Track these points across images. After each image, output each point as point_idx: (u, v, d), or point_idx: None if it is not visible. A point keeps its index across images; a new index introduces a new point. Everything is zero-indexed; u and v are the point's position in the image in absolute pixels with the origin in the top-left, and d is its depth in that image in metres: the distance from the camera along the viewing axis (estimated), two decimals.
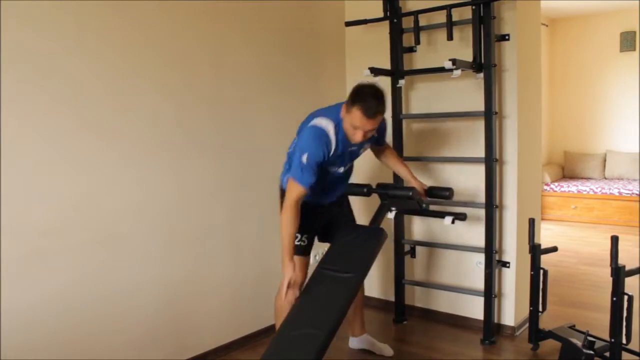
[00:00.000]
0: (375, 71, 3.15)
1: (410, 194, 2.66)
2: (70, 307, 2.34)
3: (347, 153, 2.48)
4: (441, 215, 2.97)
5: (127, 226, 2.54)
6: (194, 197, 2.83)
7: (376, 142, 2.69)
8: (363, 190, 2.82)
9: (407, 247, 3.48)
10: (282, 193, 2.54)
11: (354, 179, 2.84)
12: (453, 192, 2.78)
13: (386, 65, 3.30)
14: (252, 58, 3.11)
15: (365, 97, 2.25)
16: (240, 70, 3.05)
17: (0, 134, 2.08)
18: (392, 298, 3.52)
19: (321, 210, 2.65)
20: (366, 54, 3.59)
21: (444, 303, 3.44)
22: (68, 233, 2.32)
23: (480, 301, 3.13)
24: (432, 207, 3.28)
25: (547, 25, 7.21)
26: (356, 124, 2.27)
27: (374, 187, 2.83)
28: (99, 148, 2.42)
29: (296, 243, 2.49)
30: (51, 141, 2.25)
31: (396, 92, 3.33)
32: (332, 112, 2.42)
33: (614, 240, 2.39)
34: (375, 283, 3.74)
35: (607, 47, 6.97)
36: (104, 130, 2.44)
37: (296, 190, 2.33)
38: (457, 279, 3.37)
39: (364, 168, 3.46)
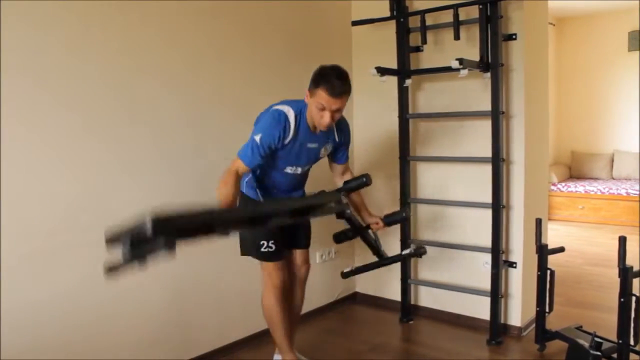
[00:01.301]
0: (382, 70, 3.14)
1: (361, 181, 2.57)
2: (73, 307, 2.34)
3: (305, 150, 2.42)
4: (398, 259, 2.89)
5: None
6: (198, 195, 2.83)
7: (339, 157, 2.61)
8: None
9: None
10: (242, 196, 2.54)
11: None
12: (409, 211, 2.74)
13: (393, 64, 3.29)
14: (258, 57, 3.11)
15: (329, 78, 2.22)
16: (246, 69, 3.06)
17: (1, 134, 2.09)
18: (398, 298, 3.52)
19: None
20: (372, 54, 3.58)
21: (450, 303, 3.43)
22: (71, 233, 2.33)
23: (486, 301, 3.12)
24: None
25: (554, 25, 7.18)
26: (322, 103, 2.24)
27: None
28: (102, 147, 2.43)
29: (263, 250, 2.48)
30: (53, 141, 2.26)
31: (403, 91, 3.32)
32: (294, 101, 2.40)
33: (622, 241, 2.38)
34: (382, 282, 3.74)
35: (615, 46, 6.94)
36: (107, 130, 2.44)
37: (239, 166, 2.30)
38: (463, 279, 3.36)
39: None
